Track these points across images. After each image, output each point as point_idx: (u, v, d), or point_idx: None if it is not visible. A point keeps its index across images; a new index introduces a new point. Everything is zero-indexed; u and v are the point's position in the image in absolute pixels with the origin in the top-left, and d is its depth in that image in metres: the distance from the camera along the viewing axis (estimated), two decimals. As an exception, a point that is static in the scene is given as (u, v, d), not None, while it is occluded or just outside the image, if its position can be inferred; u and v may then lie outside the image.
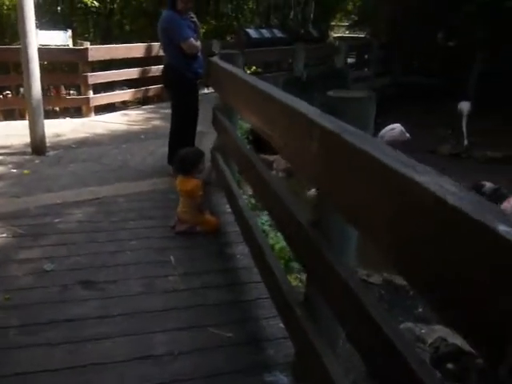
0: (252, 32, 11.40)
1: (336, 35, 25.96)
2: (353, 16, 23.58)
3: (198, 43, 4.15)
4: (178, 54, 4.06)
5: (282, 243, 3.44)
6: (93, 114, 7.31)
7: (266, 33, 11.88)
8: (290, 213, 1.96)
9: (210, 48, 8.74)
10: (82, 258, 2.89)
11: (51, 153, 5.24)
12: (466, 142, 8.94)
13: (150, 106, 8.40)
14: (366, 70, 11.90)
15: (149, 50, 8.06)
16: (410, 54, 13.14)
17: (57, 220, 3.39)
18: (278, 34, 12.50)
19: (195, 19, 4.23)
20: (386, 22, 13.88)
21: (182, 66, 4.10)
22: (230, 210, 3.64)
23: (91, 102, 7.21)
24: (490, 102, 9.97)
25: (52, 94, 8.29)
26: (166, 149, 5.18)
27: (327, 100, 1.68)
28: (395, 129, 7.41)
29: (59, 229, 3.27)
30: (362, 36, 23.96)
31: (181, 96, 4.19)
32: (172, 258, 2.95)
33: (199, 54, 4.21)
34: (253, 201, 4.37)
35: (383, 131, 7.66)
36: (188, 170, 3.19)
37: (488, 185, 6.92)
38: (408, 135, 7.46)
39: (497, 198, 6.80)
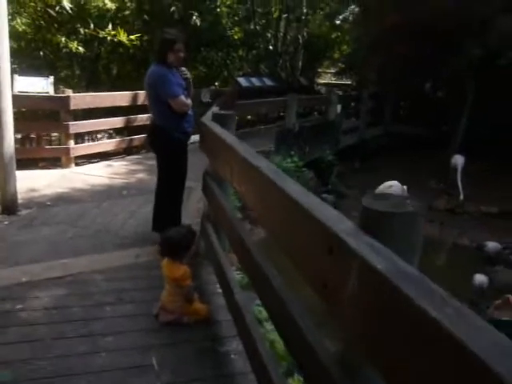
0: (242, 80, 11.25)
1: (322, 81, 26.29)
2: (339, 64, 23.89)
3: (189, 101, 3.81)
4: (165, 112, 3.70)
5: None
6: (73, 164, 6.88)
7: (256, 81, 11.75)
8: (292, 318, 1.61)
9: (199, 97, 8.48)
10: (45, 362, 2.39)
11: (23, 212, 4.76)
12: (461, 197, 8.71)
13: (134, 157, 8.01)
14: (355, 120, 11.79)
15: (134, 98, 7.75)
16: (399, 105, 13.11)
17: (18, 306, 2.89)
18: (268, 82, 12.40)
19: (188, 75, 3.89)
20: (374, 71, 13.92)
21: (170, 125, 3.73)
22: (220, 290, 3.22)
23: (72, 152, 6.79)
24: (478, 154, 9.84)
25: (31, 144, 7.85)
26: (149, 208, 4.76)
27: (363, 212, 1.29)
28: (393, 186, 7.10)
29: (20, 319, 2.76)
30: (349, 83, 24.32)
31: (168, 159, 3.80)
32: (154, 360, 2.47)
33: (189, 111, 3.86)
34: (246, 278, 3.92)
35: (381, 187, 7.34)
36: (177, 254, 2.75)
37: (490, 245, 6.60)
38: (406, 193, 7.16)
39: (500, 258, 6.49)
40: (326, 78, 29.48)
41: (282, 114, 10.23)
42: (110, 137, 9.61)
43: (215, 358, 2.55)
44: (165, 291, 2.85)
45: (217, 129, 3.09)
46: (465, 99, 11.57)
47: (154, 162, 7.10)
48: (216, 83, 13.62)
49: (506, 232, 7.55)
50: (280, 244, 1.69)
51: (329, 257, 1.25)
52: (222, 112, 3.59)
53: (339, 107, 10.54)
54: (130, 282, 3.31)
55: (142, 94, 7.32)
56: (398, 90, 13.03)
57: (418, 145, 12.13)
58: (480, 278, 5.34)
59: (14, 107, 4.72)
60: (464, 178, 9.07)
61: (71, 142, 6.83)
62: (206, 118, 3.66)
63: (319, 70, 26.10)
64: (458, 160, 9.20)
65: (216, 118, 3.47)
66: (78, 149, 7.01)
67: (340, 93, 24.13)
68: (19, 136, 7.65)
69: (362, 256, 1.06)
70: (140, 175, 6.69)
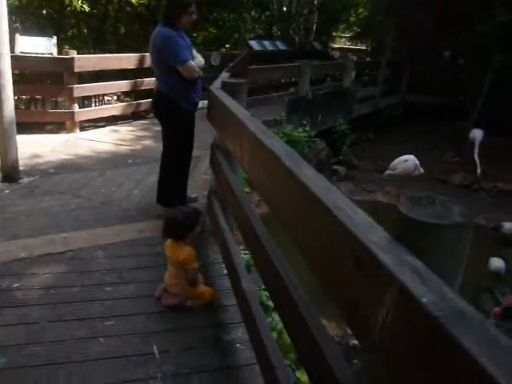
0: (254, 44, 10.81)
1: (336, 46, 25.47)
2: (355, 28, 23.05)
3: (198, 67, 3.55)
4: (172, 78, 3.45)
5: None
6: (78, 129, 6.66)
7: (268, 45, 11.29)
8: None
9: (209, 60, 8.14)
10: (40, 348, 2.26)
11: (25, 180, 4.60)
12: (478, 172, 8.41)
13: (141, 122, 7.76)
14: (371, 88, 11.37)
15: (142, 60, 7.42)
16: (416, 73, 12.61)
17: (16, 285, 2.75)
18: (281, 46, 11.93)
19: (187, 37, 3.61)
20: (391, 36, 13.35)
21: (178, 94, 3.48)
22: (225, 270, 3.07)
23: (76, 116, 6.56)
24: (497, 129, 9.46)
25: (36, 107, 7.62)
26: (155, 178, 4.60)
27: (400, 221, 1.08)
28: (408, 161, 6.85)
29: (17, 299, 2.63)
30: (363, 48, 23.53)
31: (175, 131, 3.58)
32: (156, 348, 2.33)
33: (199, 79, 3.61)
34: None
35: (396, 162, 7.09)
36: (181, 235, 2.57)
37: (506, 225, 6.37)
38: (422, 170, 6.91)
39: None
40: (341, 42, 28.62)
41: (293, 80, 9.85)
42: (118, 100, 9.34)
43: (220, 347, 2.41)
44: (168, 273, 2.69)
45: (226, 100, 2.85)
46: (486, 70, 11.08)
47: (160, 128, 6.90)
48: (227, 46, 13.16)
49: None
50: (294, 240, 1.49)
51: (355, 271, 1.05)
52: (233, 80, 3.33)
53: (354, 74, 10.12)
54: (132, 260, 3.15)
55: (147, 56, 7.00)
56: (416, 57, 12.52)
57: (434, 115, 11.75)
58: (496, 263, 5.13)
59: (14, 69, 4.49)
60: (481, 153, 8.74)
61: (75, 106, 6.59)
62: (215, 86, 3.40)
63: (334, 34, 25.27)
64: (477, 134, 8.85)
65: (225, 87, 3.22)
66: (82, 113, 6.77)
67: (354, 58, 23.51)
68: (24, 97, 7.45)
69: (402, 281, 0.86)
70: (146, 142, 6.47)
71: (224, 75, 4.61)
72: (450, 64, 13.43)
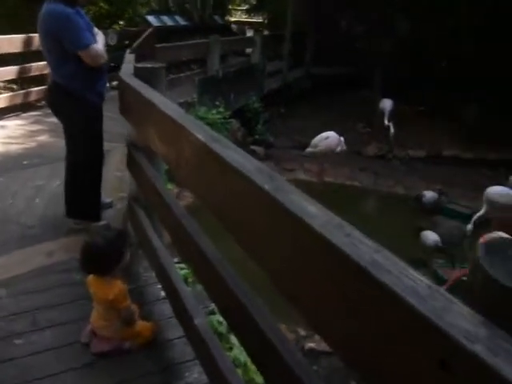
0: (152, 19, 9.96)
1: (233, 19, 24.95)
2: (251, 0, 22.69)
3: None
4: (72, 67, 2.83)
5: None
6: (-46, 129, 5.61)
7: (167, 20, 10.51)
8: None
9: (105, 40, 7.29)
10: None
11: None
12: (392, 138, 8.54)
13: (32, 114, 6.76)
14: (278, 62, 11.10)
15: (28, 42, 6.43)
16: (319, 44, 12.58)
17: None
18: (181, 21, 11.19)
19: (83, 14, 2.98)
20: (291, 8, 13.16)
21: (80, 85, 2.87)
22: (163, 293, 2.62)
23: (-50, 113, 5.50)
24: (401, 97, 9.72)
25: None
26: (58, 182, 3.98)
27: (489, 289, 0.72)
28: (329, 137, 6.70)
29: None
30: (260, 21, 23.26)
31: (81, 130, 2.96)
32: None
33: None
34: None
35: (317, 139, 6.92)
36: (106, 268, 2.05)
37: (428, 195, 6.50)
38: (345, 146, 6.81)
39: (437, 207, 6.43)
40: (236, 15, 28.10)
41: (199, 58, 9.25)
42: (0, 92, 8.13)
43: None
44: (95, 312, 2.16)
45: (145, 91, 2.32)
46: (389, 37, 11.29)
47: (55, 119, 6.05)
48: (120, 22, 12.11)
49: (435, 178, 7.57)
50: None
51: (438, 371, 0.68)
52: (148, 65, 2.78)
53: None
54: (44, 296, 2.54)
55: (36, 37, 6.07)
56: (318, 28, 12.46)
57: (340, 86, 11.82)
58: (432, 237, 5.16)
59: None
60: (391, 122, 8.91)
61: None
62: (126, 72, 2.83)
63: (230, 7, 24.69)
64: (386, 104, 8.99)
65: (140, 74, 2.68)
66: (-42, 108, 5.71)
67: (251, 32, 23.19)
68: None
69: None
70: (42, 137, 5.62)
71: (129, 57, 4.01)
72: (349, 33, 13.60)
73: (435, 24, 8.71)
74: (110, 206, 3.63)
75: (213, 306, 2.61)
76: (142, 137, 2.63)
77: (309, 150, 7.03)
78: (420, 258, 5.07)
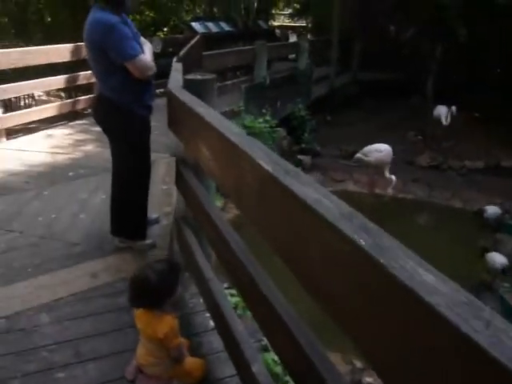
0: (197, 26, 9.90)
1: (276, 24, 24.82)
2: (295, 4, 22.45)
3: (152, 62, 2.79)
4: (119, 79, 2.68)
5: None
6: (4, 138, 5.66)
7: (212, 26, 10.43)
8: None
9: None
10: None
11: None
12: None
13: (79, 123, 6.78)
14: (325, 68, 10.79)
15: (75, 51, 6.45)
16: (367, 49, 12.20)
17: None
18: (226, 27, 11.09)
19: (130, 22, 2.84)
20: (337, 12, 12.84)
21: (128, 98, 2.72)
22: (211, 322, 2.42)
23: (1, 123, 5.55)
24: (453, 103, 9.21)
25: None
26: (104, 196, 3.90)
27: None
28: (383, 152, 6.38)
29: None
30: (304, 25, 22.99)
31: (129, 146, 2.82)
32: None
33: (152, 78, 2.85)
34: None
35: (369, 148, 6.60)
36: (157, 303, 1.86)
37: (490, 210, 6.04)
38: (393, 156, 6.49)
39: (500, 223, 5.97)
40: (279, 20, 27.95)
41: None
42: (51, 98, 8.28)
43: None
44: (142, 348, 1.98)
45: (197, 106, 2.12)
46: (436, 43, 10.80)
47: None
48: (164, 29, 12.15)
49: (495, 190, 7.07)
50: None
51: None
52: (199, 77, 2.60)
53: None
54: (88, 323, 2.40)
55: (83, 46, 6.09)
56: (367, 32, 12.09)
57: (388, 92, 11.40)
58: (499, 259, 4.74)
59: None
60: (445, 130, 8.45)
61: (-1, 111, 5.58)
62: (175, 85, 2.66)
63: (273, 12, 24.59)
64: (442, 111, 8.51)
65: (190, 86, 2.50)
66: (8, 118, 5.76)
67: (295, 36, 22.94)
68: None
69: None
70: (88, 147, 5.58)
71: (177, 66, 3.86)
72: (397, 38, 13.13)
73: (492, 28, 8.19)
74: (156, 221, 3.48)
75: (265, 341, 2.39)
76: (191, 153, 2.45)
77: (358, 156, 6.71)
78: (484, 281, 4.67)
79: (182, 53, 4.40)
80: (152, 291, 1.82)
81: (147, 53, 2.78)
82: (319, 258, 1.04)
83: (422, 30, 10.59)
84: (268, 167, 1.27)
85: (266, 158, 1.34)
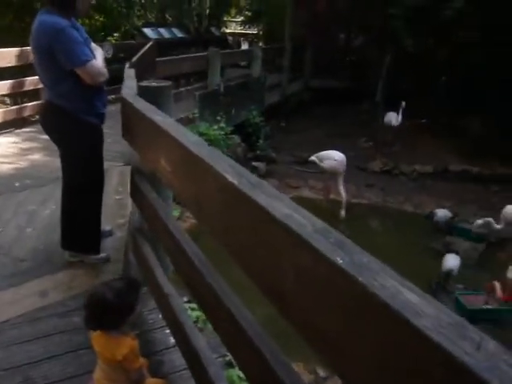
0: (149, 32, 9.71)
1: (228, 31, 24.86)
2: (247, 12, 22.59)
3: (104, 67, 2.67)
4: (69, 85, 2.55)
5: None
6: None
7: (164, 32, 10.26)
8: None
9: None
10: None
11: None
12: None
13: (26, 130, 6.46)
14: (276, 75, 10.87)
15: (21, 56, 6.15)
16: (317, 57, 12.41)
17: None
18: (178, 33, 10.95)
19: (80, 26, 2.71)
20: (284, 20, 12.98)
21: (78, 106, 2.59)
22: (172, 339, 2.33)
23: None
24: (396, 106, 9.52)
25: None
26: (54, 207, 3.73)
27: None
28: (337, 160, 6.46)
29: None
30: (255, 32, 23.16)
31: (80, 155, 2.68)
32: None
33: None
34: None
35: (324, 154, 6.66)
36: (115, 323, 1.75)
37: (439, 213, 6.23)
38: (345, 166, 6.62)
39: (449, 226, 6.17)
40: (231, 27, 28.02)
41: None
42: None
43: None
44: (99, 371, 1.86)
45: (153, 114, 2.04)
46: (384, 51, 11.13)
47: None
48: (115, 34, 11.86)
49: (443, 193, 7.33)
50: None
51: None
52: (154, 84, 2.51)
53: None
54: (39, 346, 2.23)
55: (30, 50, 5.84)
56: (313, 40, 12.28)
57: (339, 99, 11.63)
58: (454, 262, 4.87)
59: None
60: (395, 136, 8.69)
61: None
62: (129, 93, 2.55)
63: (225, 19, 24.63)
64: (392, 117, 8.75)
65: (146, 93, 2.41)
66: None
67: (246, 43, 23.04)
68: None
69: None
70: (35, 156, 5.31)
71: (129, 72, 3.74)
72: (348, 46, 13.46)
73: (439, 38, 8.53)
74: (109, 234, 3.34)
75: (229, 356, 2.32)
76: (148, 163, 2.35)
77: (313, 158, 6.75)
78: (439, 282, 4.79)
79: (134, 59, 4.26)
80: (110, 311, 1.71)
81: (99, 58, 2.66)
82: (292, 275, 0.99)
83: (370, 38, 10.88)
84: (233, 180, 1.21)
85: (231, 170, 1.28)
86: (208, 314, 1.66)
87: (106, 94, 2.79)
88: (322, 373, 3.21)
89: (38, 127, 6.59)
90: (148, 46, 4.62)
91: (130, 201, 4.04)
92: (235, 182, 1.20)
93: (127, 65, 4.49)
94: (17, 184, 4.41)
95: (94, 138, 2.71)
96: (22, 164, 5.01)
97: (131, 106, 2.27)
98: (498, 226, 5.69)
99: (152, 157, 2.00)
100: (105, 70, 2.65)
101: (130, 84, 2.84)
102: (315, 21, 11.17)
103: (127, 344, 1.74)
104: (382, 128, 8.81)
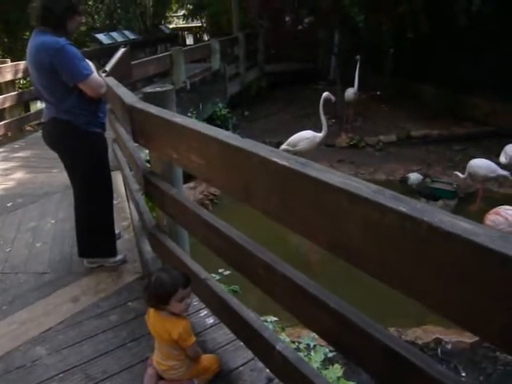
0: (102, 37, 9.65)
1: (171, 26, 24.67)
2: (188, 5, 22.45)
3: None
4: (74, 100, 2.68)
5: None
6: None
7: (117, 36, 10.21)
8: None
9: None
10: None
11: None
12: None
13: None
14: (235, 65, 11.03)
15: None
16: (268, 43, 12.62)
17: None
18: (130, 35, 10.90)
19: None
20: (229, 8, 13.09)
21: (84, 119, 2.72)
22: (210, 320, 2.55)
23: None
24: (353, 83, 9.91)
25: None
26: (54, 220, 3.89)
27: None
28: (309, 138, 6.72)
29: None
30: (199, 25, 23.10)
31: (89, 165, 2.81)
32: None
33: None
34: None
35: (296, 138, 6.90)
36: (164, 301, 1.94)
37: (412, 177, 6.64)
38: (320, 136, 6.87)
39: (423, 187, 6.57)
40: (174, 22, 27.77)
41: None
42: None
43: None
44: (158, 353, 2.05)
45: (172, 117, 2.20)
46: (332, 31, 11.44)
47: (26, 154, 5.77)
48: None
49: (410, 158, 7.75)
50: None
51: None
52: (158, 89, 2.66)
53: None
54: (88, 346, 2.39)
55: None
56: (261, 26, 12.47)
57: (296, 81, 11.93)
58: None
59: None
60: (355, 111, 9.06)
61: None
62: (132, 99, 2.70)
63: (167, 15, 24.40)
64: (350, 92, 9.08)
65: (151, 98, 2.57)
66: None
67: (191, 37, 22.89)
68: None
69: None
70: (18, 175, 5.31)
71: (112, 81, 3.85)
72: (296, 28, 13.72)
73: (385, 14, 8.90)
74: (119, 237, 3.48)
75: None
76: (178, 162, 2.48)
77: (284, 147, 6.97)
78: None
79: (108, 67, 4.36)
80: (155, 290, 1.91)
81: (95, 71, 2.79)
82: (359, 232, 1.20)
83: (318, 18, 11.16)
84: (284, 162, 1.42)
85: (275, 155, 1.48)
86: (259, 283, 1.85)
87: (105, 104, 2.92)
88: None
89: (10, 146, 6.60)
90: (120, 52, 4.68)
91: (126, 204, 4.20)
92: (286, 163, 1.41)
93: (103, 74, 4.56)
94: (9, 204, 4.45)
95: (101, 146, 2.85)
96: (8, 184, 5.02)
97: (143, 112, 2.42)
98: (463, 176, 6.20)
99: (178, 155, 2.17)
100: (104, 82, 2.79)
101: (126, 92, 2.97)
102: (263, 6, 11.34)
103: (180, 323, 1.93)
104: (342, 104, 9.14)
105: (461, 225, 0.98)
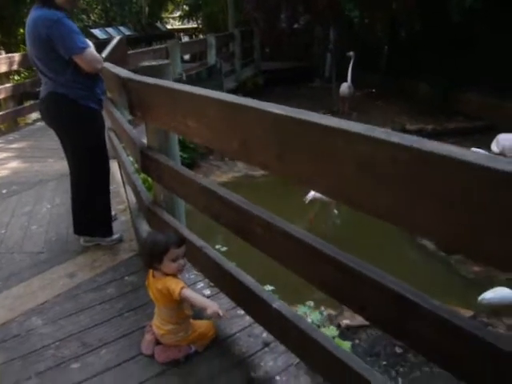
0: (98, 33, 9.66)
1: (168, 27, 24.73)
2: (184, 6, 22.53)
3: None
4: (71, 74, 2.68)
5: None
6: None
7: (113, 32, 10.22)
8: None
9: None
10: None
11: None
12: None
13: (-8, 142, 6.40)
14: (231, 62, 11.06)
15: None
16: (264, 41, 12.67)
17: None
18: (126, 32, 10.93)
19: None
20: (226, 8, 13.14)
21: (81, 93, 2.72)
22: (207, 291, 2.56)
23: None
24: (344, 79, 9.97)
25: None
26: (49, 205, 3.89)
27: None
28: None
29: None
30: (195, 26, 23.16)
31: (87, 140, 2.80)
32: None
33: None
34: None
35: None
36: (154, 260, 1.95)
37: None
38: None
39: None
40: (169, 23, 27.86)
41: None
42: None
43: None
44: (158, 318, 2.05)
45: (171, 85, 2.20)
46: (328, 28, 11.51)
47: (21, 145, 5.77)
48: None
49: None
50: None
51: None
52: (154, 63, 2.67)
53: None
54: (84, 316, 2.39)
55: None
56: (257, 24, 12.51)
57: (292, 78, 11.98)
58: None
59: None
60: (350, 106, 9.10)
61: None
62: (127, 73, 2.71)
63: (163, 16, 24.47)
64: (345, 87, 9.12)
65: (147, 72, 2.58)
66: None
67: (187, 38, 22.95)
68: None
69: None
70: (13, 164, 5.30)
71: (108, 65, 3.86)
72: (291, 26, 13.75)
73: (380, 13, 8.97)
74: (115, 218, 3.48)
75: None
76: (175, 130, 2.47)
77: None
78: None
79: (105, 54, 4.40)
80: (149, 249, 1.93)
81: (92, 47, 2.79)
82: (355, 171, 1.20)
83: (314, 16, 11.22)
84: (280, 111, 1.44)
85: (273, 106, 1.51)
86: (260, 243, 1.83)
87: (103, 82, 2.92)
88: (332, 311, 3.49)
89: (5, 138, 6.58)
90: (116, 41, 4.69)
91: (122, 190, 4.20)
92: (282, 112, 1.43)
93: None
94: (4, 191, 4.44)
95: (96, 122, 2.84)
96: (3, 173, 5.00)
97: (140, 83, 2.42)
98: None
99: (176, 122, 2.17)
100: (101, 58, 2.79)
101: (121, 69, 2.98)
102: (258, 4, 11.39)
103: (171, 280, 1.94)
104: (337, 99, 9.17)
105: (452, 149, 0.99)
